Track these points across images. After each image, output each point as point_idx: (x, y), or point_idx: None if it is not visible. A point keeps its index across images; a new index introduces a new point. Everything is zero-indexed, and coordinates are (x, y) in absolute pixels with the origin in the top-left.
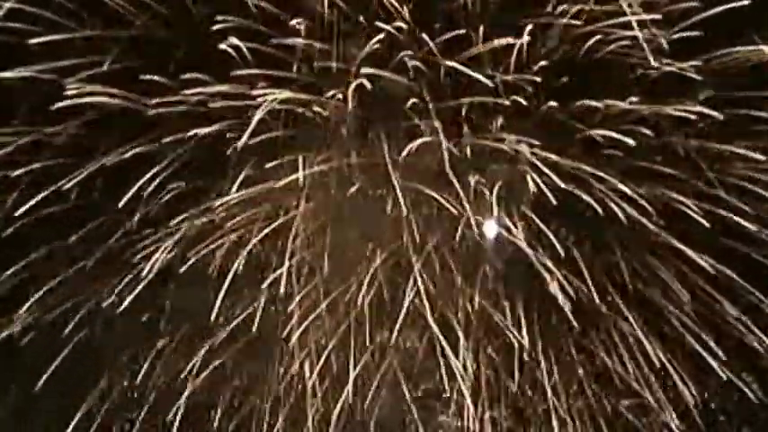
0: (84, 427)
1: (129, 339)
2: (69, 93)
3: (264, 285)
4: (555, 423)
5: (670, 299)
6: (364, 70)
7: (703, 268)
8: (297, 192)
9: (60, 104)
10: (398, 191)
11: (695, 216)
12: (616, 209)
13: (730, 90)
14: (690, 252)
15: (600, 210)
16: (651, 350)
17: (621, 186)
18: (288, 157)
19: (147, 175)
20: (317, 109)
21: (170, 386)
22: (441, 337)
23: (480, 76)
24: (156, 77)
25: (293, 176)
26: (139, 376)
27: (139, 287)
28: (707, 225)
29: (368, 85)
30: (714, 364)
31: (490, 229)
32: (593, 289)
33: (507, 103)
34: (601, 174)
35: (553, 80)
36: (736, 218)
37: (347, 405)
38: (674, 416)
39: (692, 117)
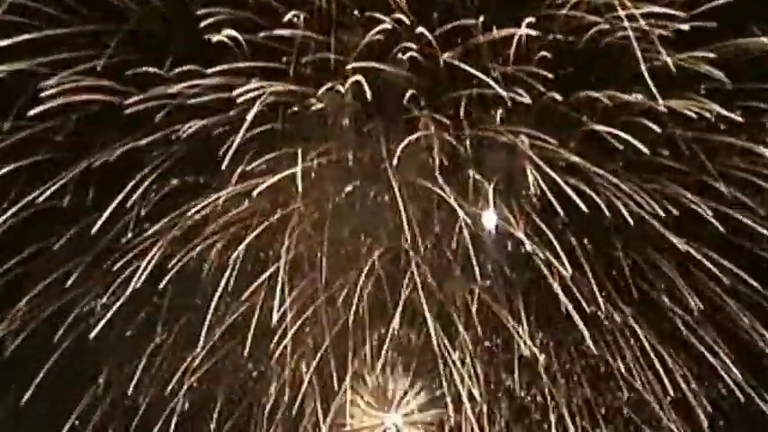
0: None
1: (125, 338)
2: (59, 89)
3: (261, 280)
4: (553, 417)
5: (672, 294)
6: (362, 63)
7: (706, 262)
8: (294, 185)
9: (53, 103)
10: (396, 184)
11: (696, 208)
12: (617, 202)
13: (731, 82)
14: (689, 249)
15: (600, 202)
16: (647, 343)
17: (620, 181)
18: (285, 150)
19: (143, 171)
20: (313, 101)
21: (167, 384)
22: (440, 331)
23: (478, 73)
24: (151, 69)
25: (291, 170)
26: (137, 374)
27: (134, 285)
28: (709, 218)
29: (364, 78)
30: (714, 361)
31: (489, 221)
32: (593, 281)
33: (507, 95)
34: (600, 169)
35: (553, 72)
36: (736, 212)
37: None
38: (673, 413)
39: (696, 111)
